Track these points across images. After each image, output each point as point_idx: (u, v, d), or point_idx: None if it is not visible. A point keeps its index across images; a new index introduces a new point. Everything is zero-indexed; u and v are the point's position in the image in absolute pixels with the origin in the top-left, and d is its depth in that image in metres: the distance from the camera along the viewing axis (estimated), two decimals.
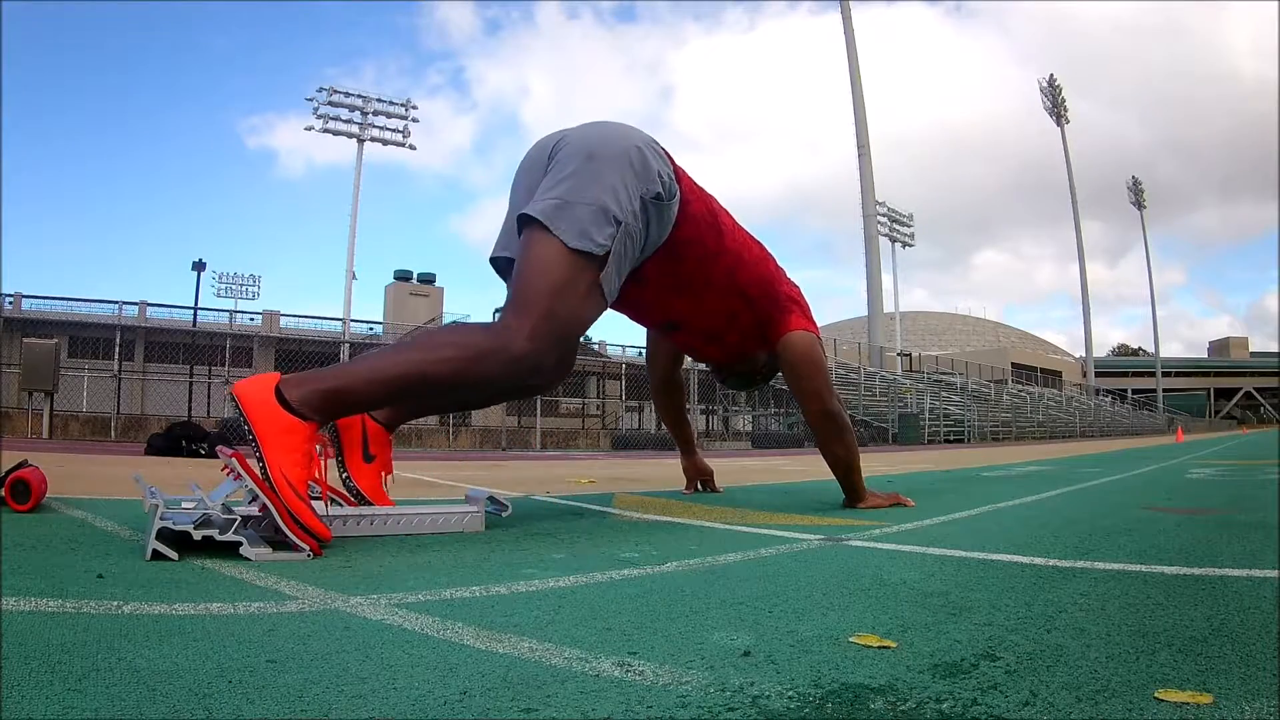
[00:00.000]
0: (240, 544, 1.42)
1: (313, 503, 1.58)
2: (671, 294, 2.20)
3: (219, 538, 1.42)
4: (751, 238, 2.39)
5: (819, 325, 2.57)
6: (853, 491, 2.53)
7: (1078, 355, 67.22)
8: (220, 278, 33.83)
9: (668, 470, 5.38)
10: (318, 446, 1.70)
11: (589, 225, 1.80)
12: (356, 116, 27.58)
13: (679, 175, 2.08)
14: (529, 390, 2.25)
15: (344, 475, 2.00)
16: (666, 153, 2.08)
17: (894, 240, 38.47)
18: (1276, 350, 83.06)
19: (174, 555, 1.36)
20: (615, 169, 1.88)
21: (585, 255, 1.79)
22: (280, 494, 1.52)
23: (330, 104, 27.24)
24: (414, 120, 28.63)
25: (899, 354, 36.73)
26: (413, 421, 1.94)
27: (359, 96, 27.55)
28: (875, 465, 6.38)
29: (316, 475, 1.67)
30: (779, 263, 2.52)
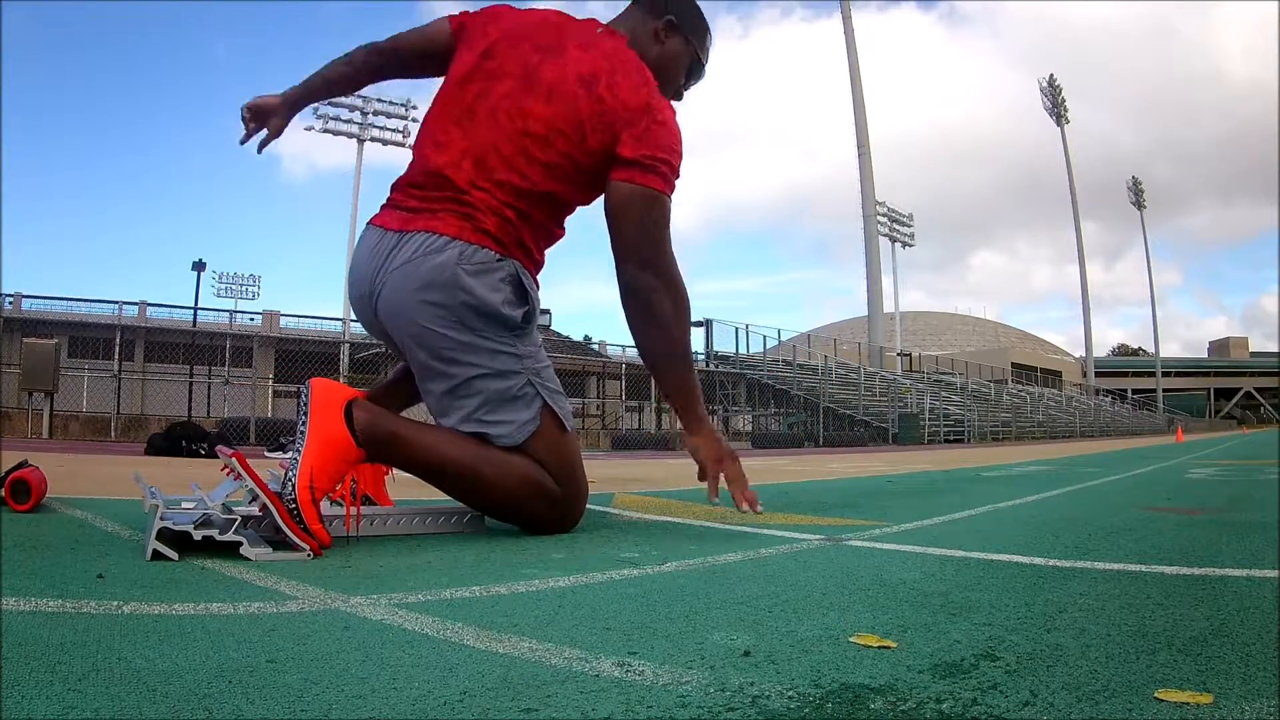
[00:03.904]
0: (240, 544, 1.42)
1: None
2: None
3: (219, 538, 1.42)
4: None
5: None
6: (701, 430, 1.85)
7: (1077, 355, 67.27)
8: (220, 278, 33.95)
9: (668, 470, 5.38)
10: (353, 481, 1.74)
11: (510, 416, 1.74)
12: (356, 116, 27.63)
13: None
14: None
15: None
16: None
17: (894, 240, 38.50)
18: (1276, 350, 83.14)
19: (174, 555, 1.36)
20: (467, 334, 1.72)
21: (536, 432, 1.76)
22: (298, 492, 1.52)
23: (330, 104, 27.29)
24: (414, 120, 28.65)
25: (899, 354, 36.77)
26: None
27: (359, 96, 27.59)
28: (876, 466, 6.38)
29: (337, 491, 1.72)
30: None
